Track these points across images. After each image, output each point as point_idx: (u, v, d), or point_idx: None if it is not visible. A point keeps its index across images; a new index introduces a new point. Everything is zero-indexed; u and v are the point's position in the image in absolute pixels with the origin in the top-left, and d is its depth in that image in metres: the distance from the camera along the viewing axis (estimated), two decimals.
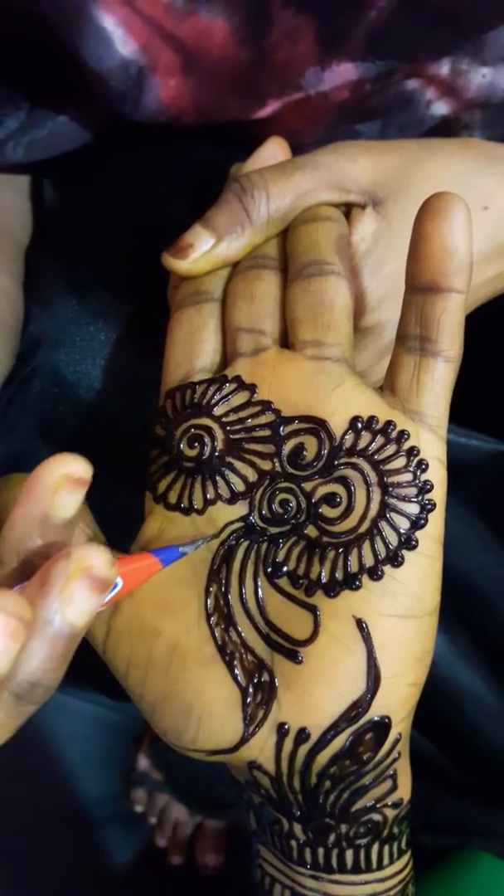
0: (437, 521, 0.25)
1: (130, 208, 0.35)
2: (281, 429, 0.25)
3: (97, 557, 0.19)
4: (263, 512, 0.25)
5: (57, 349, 0.33)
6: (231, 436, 0.26)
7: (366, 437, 0.25)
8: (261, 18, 0.30)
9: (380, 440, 0.25)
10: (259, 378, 0.26)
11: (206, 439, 0.26)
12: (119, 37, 0.30)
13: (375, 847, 0.26)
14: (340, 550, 0.24)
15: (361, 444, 0.25)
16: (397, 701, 0.24)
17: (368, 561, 0.24)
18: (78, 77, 0.31)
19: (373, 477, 0.24)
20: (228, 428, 0.26)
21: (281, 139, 0.32)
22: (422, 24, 0.31)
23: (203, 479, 0.26)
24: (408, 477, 0.24)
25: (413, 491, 0.24)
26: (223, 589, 0.25)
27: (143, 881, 0.64)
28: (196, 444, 0.26)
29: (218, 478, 0.26)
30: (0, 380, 0.33)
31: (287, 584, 0.25)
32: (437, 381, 0.24)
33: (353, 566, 0.24)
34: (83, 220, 0.36)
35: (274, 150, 0.32)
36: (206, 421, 0.26)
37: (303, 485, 0.25)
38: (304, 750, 0.24)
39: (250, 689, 0.24)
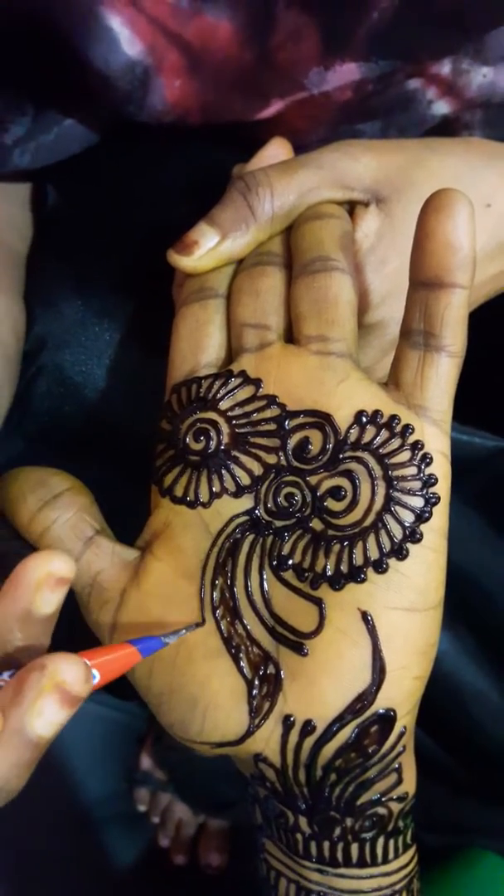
0: (441, 514, 0.25)
1: (134, 208, 0.35)
2: (286, 423, 0.26)
3: (71, 672, 0.19)
4: (269, 505, 0.26)
5: (62, 349, 0.33)
6: (237, 430, 0.26)
7: (370, 430, 0.25)
8: (265, 19, 0.30)
9: (384, 434, 0.25)
10: (264, 373, 0.26)
11: (212, 433, 0.26)
12: (125, 37, 0.30)
13: (381, 841, 0.26)
14: (345, 543, 0.25)
15: (366, 437, 0.25)
16: (402, 694, 0.24)
17: (373, 554, 0.24)
18: (83, 78, 0.32)
19: (378, 470, 0.25)
20: (234, 422, 0.26)
21: (283, 139, 0.33)
22: (424, 24, 0.31)
23: (209, 473, 0.26)
24: (412, 470, 0.25)
25: (417, 484, 0.24)
26: (229, 582, 0.25)
27: (145, 881, 0.64)
28: (202, 438, 0.26)
29: (223, 471, 0.26)
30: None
31: (292, 577, 0.25)
32: (441, 376, 0.25)
33: (359, 559, 0.24)
34: (87, 220, 0.36)
35: (276, 150, 0.32)
36: (211, 415, 0.26)
37: (308, 478, 0.25)
38: (309, 742, 0.24)
39: (256, 682, 0.25)
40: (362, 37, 0.31)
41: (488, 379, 0.39)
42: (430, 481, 0.24)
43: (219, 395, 0.26)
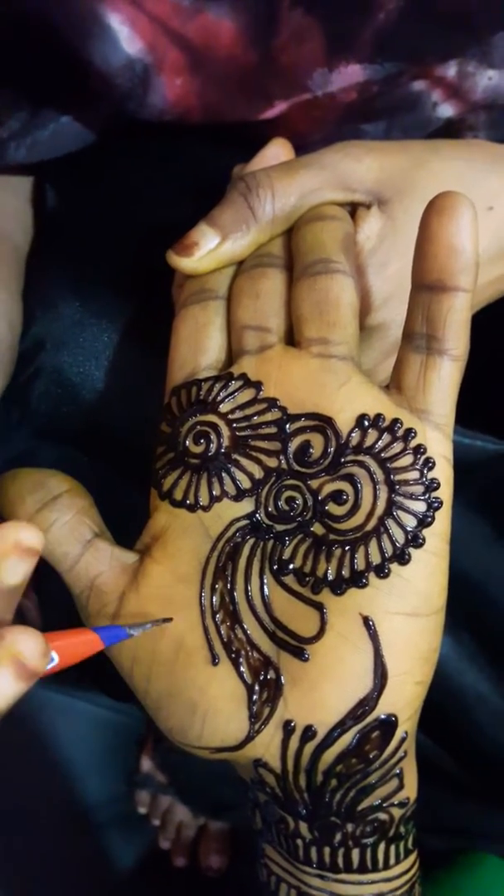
0: (443, 518, 0.25)
1: (134, 208, 0.35)
2: (287, 426, 0.26)
3: (29, 646, 0.19)
4: (269, 509, 0.25)
5: (60, 350, 0.33)
6: (237, 433, 0.26)
7: (372, 434, 0.25)
8: (268, 19, 0.30)
9: (386, 438, 0.25)
10: (265, 375, 0.26)
11: (212, 436, 0.26)
12: (125, 35, 0.30)
13: (382, 846, 0.26)
14: (347, 548, 0.24)
15: (368, 441, 0.25)
16: (404, 699, 0.24)
17: (375, 558, 0.24)
18: (83, 76, 0.31)
19: (379, 475, 0.24)
20: (234, 425, 0.26)
21: (284, 140, 0.32)
22: (429, 26, 0.31)
23: (209, 476, 0.26)
24: (415, 475, 0.24)
25: (420, 489, 0.24)
26: (229, 586, 0.25)
27: (146, 883, 0.63)
28: (202, 441, 0.26)
29: (224, 475, 0.26)
30: None
31: (293, 582, 0.25)
32: (443, 380, 0.24)
33: (360, 564, 0.24)
34: (86, 220, 0.36)
35: (277, 151, 0.32)
36: (211, 418, 0.26)
37: (309, 482, 0.25)
38: (310, 748, 0.24)
39: (256, 687, 0.24)
40: (367, 38, 0.31)
41: (491, 382, 0.39)
42: (432, 485, 0.24)
43: (219, 398, 0.26)
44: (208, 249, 0.28)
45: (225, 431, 0.26)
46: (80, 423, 0.33)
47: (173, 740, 0.26)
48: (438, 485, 0.24)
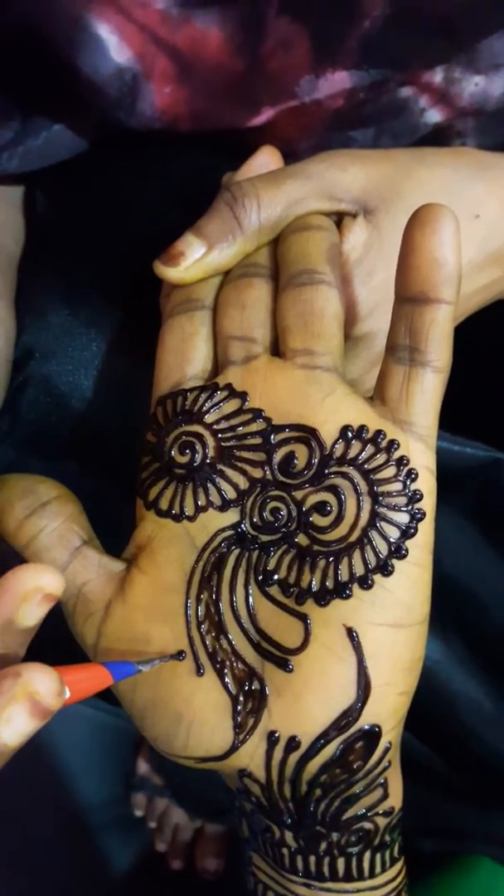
0: (426, 530, 0.25)
1: (123, 217, 0.35)
2: (272, 437, 0.26)
3: (45, 684, 0.19)
4: (255, 520, 0.25)
5: (49, 359, 0.33)
6: (222, 443, 0.26)
7: (356, 446, 0.25)
8: (255, 26, 0.30)
9: (370, 449, 0.25)
10: (250, 386, 0.26)
11: (198, 446, 0.26)
12: (114, 44, 0.30)
13: (367, 855, 0.26)
14: (331, 559, 0.24)
15: (352, 453, 0.25)
16: (387, 710, 0.24)
17: (359, 570, 0.24)
18: (72, 85, 0.31)
19: (363, 486, 0.25)
20: (220, 435, 0.26)
21: (273, 148, 0.32)
22: (415, 32, 0.31)
23: (194, 487, 0.26)
24: (398, 486, 0.24)
25: (403, 500, 0.24)
26: (214, 596, 0.25)
27: (142, 886, 0.64)
28: (187, 451, 0.26)
29: (209, 485, 0.26)
30: None
31: (278, 593, 0.25)
32: (426, 392, 0.24)
33: (344, 575, 0.24)
34: (75, 229, 0.36)
35: (266, 159, 0.32)
36: (197, 428, 0.26)
37: (293, 493, 0.25)
38: (294, 758, 0.24)
39: (240, 697, 0.25)
40: (354, 45, 0.31)
41: (480, 389, 0.39)
42: (415, 497, 0.24)
43: (204, 408, 0.26)
44: (194, 259, 0.28)
45: (210, 442, 0.26)
46: (69, 432, 0.33)
47: (158, 749, 0.26)
48: (421, 496, 0.24)
